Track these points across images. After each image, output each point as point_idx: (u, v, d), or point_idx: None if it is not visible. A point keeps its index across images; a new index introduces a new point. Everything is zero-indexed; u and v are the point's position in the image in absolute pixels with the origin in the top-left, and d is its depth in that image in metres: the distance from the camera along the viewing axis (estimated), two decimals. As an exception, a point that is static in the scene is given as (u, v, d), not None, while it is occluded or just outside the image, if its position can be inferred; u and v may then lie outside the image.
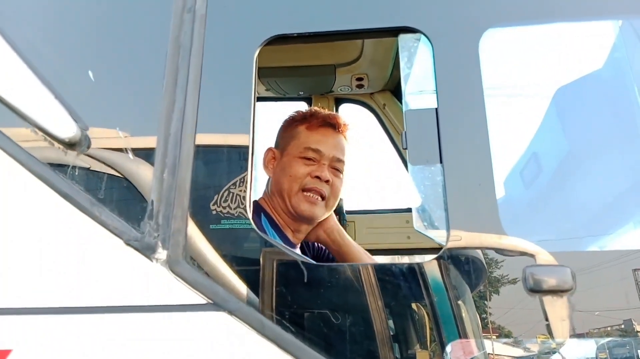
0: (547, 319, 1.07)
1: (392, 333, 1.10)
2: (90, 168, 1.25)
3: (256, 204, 1.75)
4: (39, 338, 1.15)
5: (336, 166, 1.77)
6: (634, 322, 1.11)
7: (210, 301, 1.12)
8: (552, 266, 1.08)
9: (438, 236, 1.15)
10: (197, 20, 1.30)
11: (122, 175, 1.25)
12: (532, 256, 1.10)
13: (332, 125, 1.80)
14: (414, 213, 1.24)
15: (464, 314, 1.10)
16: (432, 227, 1.19)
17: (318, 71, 2.96)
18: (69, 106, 1.29)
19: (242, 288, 1.14)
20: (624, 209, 1.36)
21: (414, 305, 1.14)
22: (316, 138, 1.77)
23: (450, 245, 1.12)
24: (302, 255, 1.21)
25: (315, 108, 1.95)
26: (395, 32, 1.30)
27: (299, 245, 1.82)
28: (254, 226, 1.17)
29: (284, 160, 1.77)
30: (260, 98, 3.16)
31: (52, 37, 1.38)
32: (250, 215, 1.19)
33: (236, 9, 1.33)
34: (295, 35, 1.29)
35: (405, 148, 1.21)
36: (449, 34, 1.25)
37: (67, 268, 1.17)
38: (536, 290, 1.06)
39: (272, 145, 1.87)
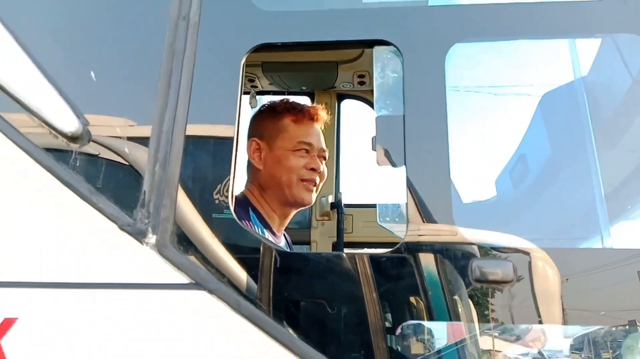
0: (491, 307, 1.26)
1: (355, 317, 1.29)
2: (91, 161, 1.45)
3: (243, 197, 1.95)
4: (42, 309, 1.35)
5: (322, 155, 2.02)
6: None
7: (192, 281, 1.31)
8: (496, 260, 1.26)
9: (398, 230, 1.33)
10: (190, 27, 1.48)
11: (127, 162, 1.45)
12: (478, 249, 1.28)
13: (315, 118, 2.02)
14: (378, 209, 1.42)
15: (414, 302, 1.29)
16: (393, 222, 1.37)
17: (321, 67, 3.10)
18: (72, 103, 1.49)
19: (222, 270, 1.33)
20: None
21: (366, 290, 1.32)
22: (305, 132, 1.98)
23: (408, 238, 1.30)
24: (278, 245, 1.40)
25: (292, 100, 2.13)
26: (370, 44, 1.47)
27: (282, 234, 2.02)
28: (235, 217, 1.36)
29: (277, 153, 1.95)
30: (263, 92, 3.35)
31: (58, 38, 1.58)
32: (232, 207, 1.37)
33: (226, 18, 1.51)
34: (280, 44, 1.47)
35: (374, 150, 1.38)
36: (419, 47, 1.41)
37: (69, 248, 1.37)
38: (481, 280, 1.24)
39: (249, 135, 2.04)
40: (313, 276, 1.32)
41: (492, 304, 1.27)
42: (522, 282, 1.25)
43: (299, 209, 2.04)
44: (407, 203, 1.32)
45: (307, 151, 1.96)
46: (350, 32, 1.45)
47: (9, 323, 1.34)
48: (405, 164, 1.34)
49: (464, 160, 1.53)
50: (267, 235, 1.87)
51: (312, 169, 1.95)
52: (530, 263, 1.30)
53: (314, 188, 1.96)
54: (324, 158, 2.03)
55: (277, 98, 2.15)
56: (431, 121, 1.36)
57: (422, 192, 1.33)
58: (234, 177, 1.40)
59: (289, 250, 2.06)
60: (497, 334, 1.32)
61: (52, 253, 1.37)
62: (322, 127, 2.08)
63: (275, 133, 1.98)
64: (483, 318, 1.28)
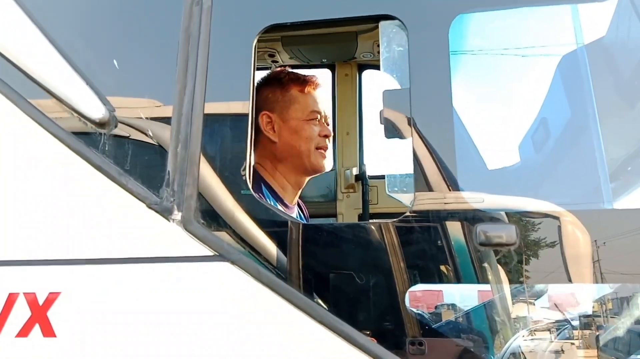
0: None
1: (360, 281, 1.41)
2: (119, 144, 1.60)
3: (254, 172, 2.07)
4: (82, 283, 1.52)
5: (327, 121, 2.14)
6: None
7: (216, 253, 1.45)
8: (499, 224, 1.35)
9: (405, 199, 1.44)
10: (204, 12, 1.59)
11: (154, 143, 1.59)
12: (480, 213, 1.38)
13: (316, 85, 2.12)
14: (387, 180, 1.53)
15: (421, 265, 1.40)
16: (401, 192, 1.48)
17: (340, 38, 3.15)
18: (97, 90, 1.63)
19: (243, 242, 1.47)
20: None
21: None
22: (314, 100, 2.09)
23: (416, 207, 1.41)
24: (293, 217, 1.52)
25: (288, 69, 2.22)
26: (376, 19, 1.55)
27: (294, 206, 2.14)
28: (252, 193, 1.49)
29: (292, 123, 2.04)
30: (284, 67, 3.43)
31: (83, 31, 1.71)
32: (250, 184, 1.50)
33: (237, 2, 1.61)
34: (289, 24, 1.56)
35: (382, 124, 1.48)
36: (422, 20, 1.49)
37: (102, 227, 1.53)
38: (485, 243, 1.34)
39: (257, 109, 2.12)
40: (326, 246, 1.45)
41: (520, 268, 1.38)
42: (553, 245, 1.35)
43: (313, 176, 2.15)
44: (414, 173, 1.42)
45: (318, 119, 2.07)
46: (355, 9, 1.54)
47: (53, 297, 1.52)
48: (412, 136, 1.43)
49: (486, 127, 1.61)
50: (280, 207, 1.99)
51: (325, 136, 2.07)
52: (559, 227, 1.39)
53: (326, 154, 2.08)
54: (328, 124, 2.14)
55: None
56: (435, 93, 1.44)
57: (429, 162, 1.42)
58: (251, 153, 1.52)
59: (301, 219, 2.19)
60: (525, 297, 1.42)
61: (88, 233, 1.54)
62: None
63: (287, 105, 2.07)
64: (512, 281, 1.39)
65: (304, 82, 2.11)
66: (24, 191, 1.59)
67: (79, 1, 1.77)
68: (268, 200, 1.92)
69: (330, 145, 2.09)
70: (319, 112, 2.08)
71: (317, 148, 2.05)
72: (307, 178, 2.15)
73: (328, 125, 2.14)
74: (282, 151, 2.06)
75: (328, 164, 2.11)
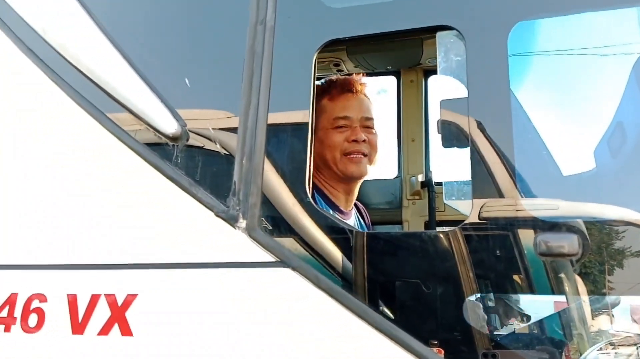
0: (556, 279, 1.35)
1: (427, 291, 1.44)
2: (190, 156, 1.72)
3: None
4: (157, 286, 1.65)
5: (367, 124, 2.11)
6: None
7: (278, 259, 1.53)
8: (560, 234, 1.35)
9: (464, 208, 1.46)
10: (267, 31, 1.68)
11: (223, 153, 1.70)
12: (546, 225, 1.38)
13: (350, 90, 2.12)
14: (444, 188, 1.55)
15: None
16: (459, 199, 1.50)
17: (405, 45, 3.17)
18: (170, 105, 1.76)
19: (303, 249, 1.54)
20: None
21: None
22: (341, 106, 2.10)
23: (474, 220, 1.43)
24: (348, 224, 1.58)
25: (330, 77, 2.22)
26: (434, 30, 1.58)
27: (351, 210, 2.18)
28: (311, 201, 1.56)
29: (320, 134, 2.08)
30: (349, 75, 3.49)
31: (155, 52, 1.86)
32: (309, 193, 1.57)
33: (298, 20, 1.69)
34: (347, 38, 1.63)
35: (439, 133, 1.51)
36: (480, 29, 1.51)
37: (174, 234, 1.65)
38: (546, 254, 1.34)
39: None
40: (382, 254, 1.50)
41: (598, 278, 1.37)
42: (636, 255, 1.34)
43: (357, 181, 2.15)
44: (472, 181, 1.44)
45: (345, 125, 2.07)
46: (412, 21, 1.58)
47: (131, 298, 1.65)
48: (470, 144, 1.46)
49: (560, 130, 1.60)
50: (335, 214, 2.04)
51: (354, 141, 2.05)
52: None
53: (363, 158, 2.07)
54: (370, 127, 2.12)
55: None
56: (495, 102, 1.46)
57: (487, 172, 1.44)
58: (310, 162, 1.59)
59: (359, 225, 2.23)
60: (601, 309, 1.41)
61: (162, 239, 1.66)
62: (365, 95, 2.17)
63: (317, 116, 2.07)
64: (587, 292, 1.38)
65: (332, 89, 2.13)
66: (105, 201, 1.75)
67: (156, 24, 1.92)
68: (322, 207, 1.99)
69: (363, 148, 2.07)
70: (345, 117, 2.08)
71: (345, 154, 2.06)
72: (352, 184, 2.15)
73: (369, 128, 2.12)
74: (317, 162, 2.11)
75: (362, 168, 2.09)
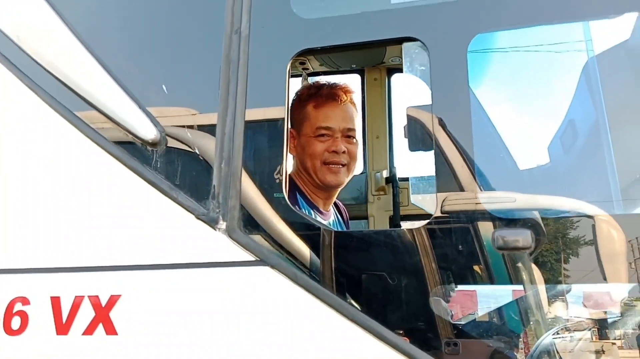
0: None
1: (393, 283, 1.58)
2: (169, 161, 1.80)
3: (291, 180, 2.24)
4: (140, 287, 1.73)
5: (348, 134, 2.20)
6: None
7: (257, 258, 1.65)
8: (515, 229, 1.50)
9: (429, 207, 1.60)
10: (242, 39, 1.78)
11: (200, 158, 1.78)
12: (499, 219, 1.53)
13: (335, 99, 2.20)
14: (411, 187, 1.70)
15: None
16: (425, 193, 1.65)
17: (368, 44, 3.30)
18: (148, 112, 1.84)
19: (281, 248, 1.66)
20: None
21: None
22: (324, 116, 2.18)
23: (438, 214, 1.57)
24: (322, 223, 1.70)
25: (318, 81, 2.32)
26: (400, 41, 1.72)
27: (330, 211, 2.31)
28: (287, 201, 1.68)
29: (303, 140, 2.18)
30: (314, 74, 3.60)
31: (138, 61, 1.93)
32: (285, 192, 1.69)
33: (272, 29, 1.80)
34: (319, 48, 1.74)
35: (406, 138, 1.65)
36: (442, 40, 1.65)
37: (157, 237, 1.74)
38: (502, 248, 1.49)
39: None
40: (356, 250, 1.64)
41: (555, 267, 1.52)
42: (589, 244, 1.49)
43: (335, 189, 2.25)
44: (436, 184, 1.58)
45: (327, 135, 2.15)
46: (380, 33, 1.71)
47: (115, 299, 1.73)
48: (434, 148, 1.60)
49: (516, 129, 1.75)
50: (314, 214, 2.16)
51: (334, 151, 2.15)
52: (594, 226, 1.52)
53: (342, 169, 2.16)
54: (351, 137, 2.20)
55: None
56: (456, 109, 1.60)
57: (449, 172, 1.58)
58: (286, 159, 1.70)
59: (337, 223, 2.37)
60: (557, 296, 1.56)
61: (144, 241, 1.75)
62: (351, 103, 2.25)
63: (301, 121, 2.20)
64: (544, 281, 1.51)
65: (318, 96, 2.20)
66: (88, 206, 1.82)
67: (135, 32, 1.99)
68: (303, 208, 2.10)
69: (342, 159, 2.16)
70: (327, 128, 2.15)
71: (325, 164, 2.15)
72: (333, 191, 2.25)
73: (350, 138, 2.20)
74: (298, 166, 2.22)
75: (340, 178, 2.18)
